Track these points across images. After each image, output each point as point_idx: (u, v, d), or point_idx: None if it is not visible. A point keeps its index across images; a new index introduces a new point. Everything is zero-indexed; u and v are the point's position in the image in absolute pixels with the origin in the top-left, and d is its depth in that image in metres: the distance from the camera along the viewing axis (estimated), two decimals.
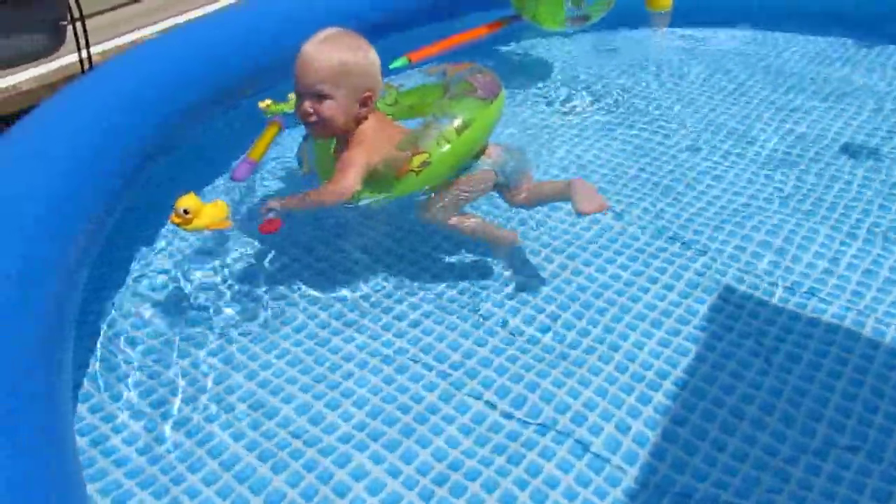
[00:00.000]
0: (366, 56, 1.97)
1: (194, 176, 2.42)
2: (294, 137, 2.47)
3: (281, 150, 2.57)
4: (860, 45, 3.41)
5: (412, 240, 2.23)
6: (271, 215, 1.89)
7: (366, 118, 2.01)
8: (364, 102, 1.97)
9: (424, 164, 1.92)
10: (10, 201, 1.68)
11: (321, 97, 1.92)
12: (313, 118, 1.94)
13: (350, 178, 1.91)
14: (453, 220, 2.02)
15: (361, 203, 1.97)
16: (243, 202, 2.35)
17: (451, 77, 2.19)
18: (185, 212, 1.76)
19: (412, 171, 1.92)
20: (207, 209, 1.80)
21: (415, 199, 2.06)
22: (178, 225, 1.79)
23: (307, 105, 1.94)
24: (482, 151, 2.08)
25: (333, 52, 1.92)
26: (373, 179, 1.95)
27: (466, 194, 2.05)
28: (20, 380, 1.31)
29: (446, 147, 1.94)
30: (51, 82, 4.24)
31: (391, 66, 2.69)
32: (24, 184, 1.75)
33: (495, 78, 2.15)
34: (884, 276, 2.03)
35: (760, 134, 2.76)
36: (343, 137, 2.01)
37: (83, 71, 3.45)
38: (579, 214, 1.98)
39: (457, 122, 1.96)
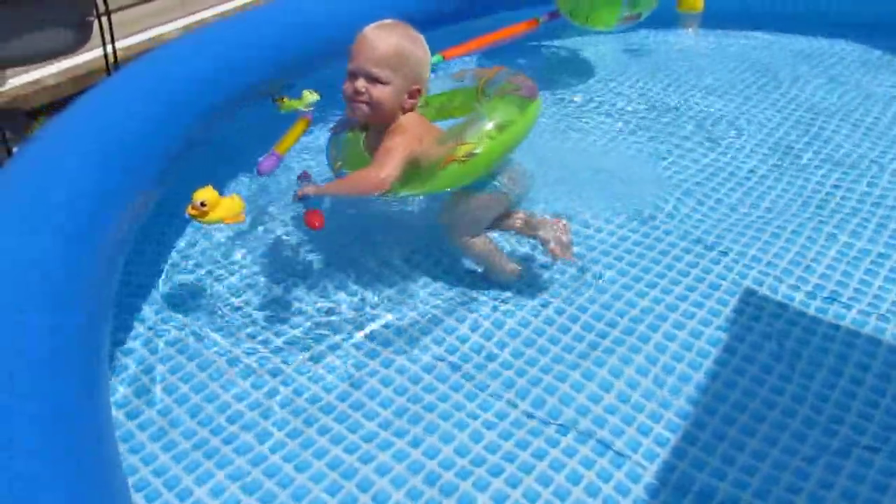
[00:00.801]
0: (423, 50, 2.00)
1: (220, 170, 2.45)
2: (318, 135, 2.50)
3: (307, 145, 2.59)
4: (889, 52, 3.41)
5: (434, 238, 2.24)
6: (307, 203, 1.90)
7: (409, 111, 2.02)
8: (412, 95, 1.99)
9: (470, 154, 1.91)
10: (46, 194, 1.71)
11: (375, 80, 1.93)
12: (363, 98, 1.94)
13: (390, 166, 1.89)
14: (473, 240, 2.04)
15: (399, 195, 1.96)
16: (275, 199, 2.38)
17: (486, 80, 2.22)
18: (202, 204, 1.77)
19: (456, 160, 1.91)
20: (224, 202, 1.80)
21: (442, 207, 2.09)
22: (193, 217, 1.80)
23: (360, 84, 1.93)
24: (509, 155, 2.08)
25: (395, 38, 1.94)
26: (412, 170, 1.93)
27: (488, 215, 2.06)
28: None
29: (490, 141, 1.94)
30: (75, 76, 4.29)
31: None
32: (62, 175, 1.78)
33: (533, 81, 2.18)
34: None
35: (783, 138, 2.76)
36: (380, 128, 2.01)
37: (108, 66, 3.48)
38: (552, 254, 2.01)
39: (503, 118, 1.97)
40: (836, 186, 2.45)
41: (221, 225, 1.89)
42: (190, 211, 1.79)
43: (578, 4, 3.11)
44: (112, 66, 3.45)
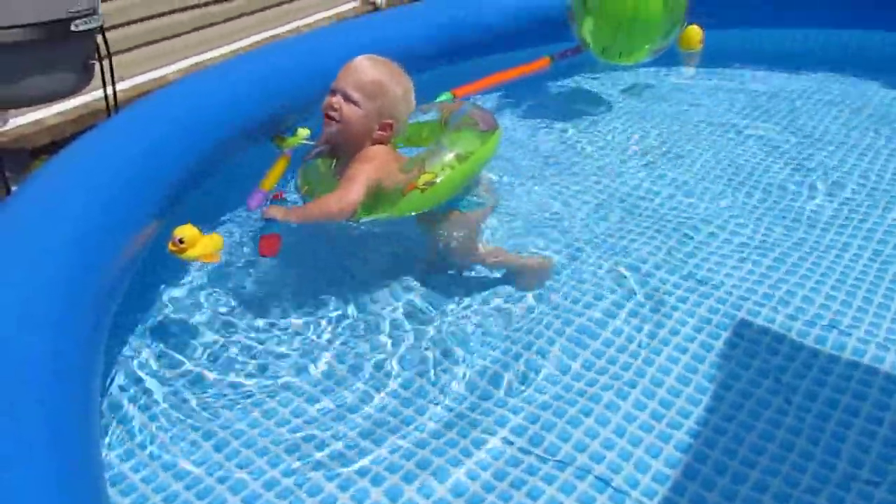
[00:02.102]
0: (403, 91, 2.12)
1: (209, 204, 2.47)
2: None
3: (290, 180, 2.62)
4: (877, 87, 3.48)
5: (421, 275, 2.25)
6: (269, 227, 1.97)
7: (382, 142, 2.12)
8: (383, 127, 2.10)
9: (429, 183, 2.02)
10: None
11: (350, 100, 2.04)
12: (335, 115, 2.06)
13: (354, 191, 1.99)
14: (484, 252, 2.17)
15: (362, 220, 2.05)
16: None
17: (448, 114, 2.33)
18: (181, 241, 1.83)
19: (418, 188, 2.02)
20: (203, 241, 1.87)
21: (443, 242, 2.17)
22: (172, 252, 1.86)
23: (335, 101, 2.07)
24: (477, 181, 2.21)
25: (378, 71, 2.09)
26: (376, 196, 2.02)
27: (480, 228, 2.20)
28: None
29: (450, 171, 2.05)
30: (76, 116, 4.34)
31: (436, 101, 2.77)
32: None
33: (491, 114, 2.31)
34: None
35: (775, 170, 2.79)
36: (349, 153, 2.12)
37: (108, 107, 3.53)
38: (524, 290, 2.14)
39: (461, 150, 2.09)
40: (832, 216, 2.47)
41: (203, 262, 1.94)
42: (170, 247, 1.85)
43: (615, 41, 3.17)
44: (112, 107, 3.49)
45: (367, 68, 2.09)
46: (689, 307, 2.09)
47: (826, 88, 3.52)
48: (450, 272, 2.27)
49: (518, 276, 2.20)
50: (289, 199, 2.26)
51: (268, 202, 2.22)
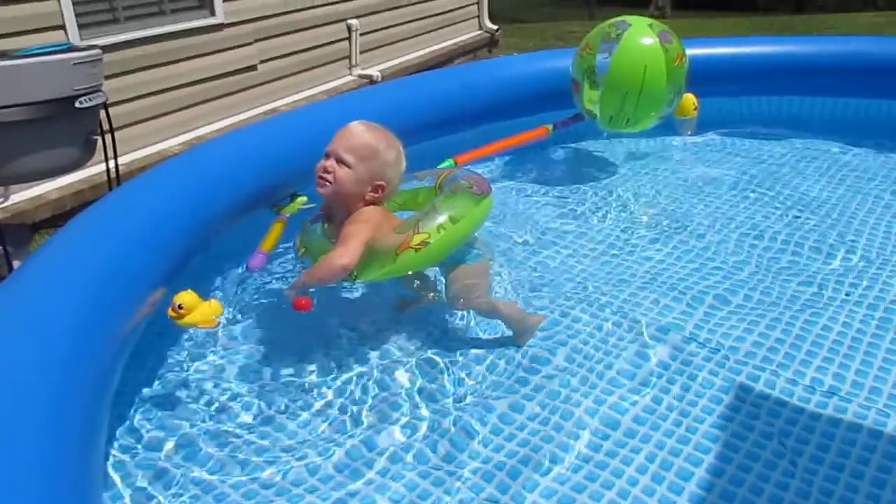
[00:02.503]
0: (395, 155, 2.21)
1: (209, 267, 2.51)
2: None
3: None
4: (862, 150, 3.59)
5: (414, 324, 2.27)
6: (292, 296, 2.03)
7: (374, 203, 2.19)
8: (375, 189, 2.17)
9: (423, 243, 2.07)
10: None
11: (342, 162, 2.12)
12: (329, 177, 2.14)
13: (351, 248, 2.03)
14: (487, 303, 2.22)
15: (358, 281, 2.11)
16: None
17: (443, 180, 2.39)
18: (180, 306, 1.86)
19: (412, 248, 2.07)
20: (202, 307, 1.90)
21: (447, 293, 2.22)
22: (171, 318, 1.88)
23: (328, 164, 2.15)
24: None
25: (371, 137, 2.17)
26: (371, 256, 2.08)
27: (487, 279, 2.28)
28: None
29: (444, 232, 2.10)
30: (77, 191, 4.41)
31: (438, 167, 2.84)
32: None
33: (485, 179, 2.37)
34: None
35: (772, 233, 2.82)
36: (343, 214, 2.19)
37: (110, 181, 3.59)
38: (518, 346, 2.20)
39: (454, 212, 2.15)
40: (826, 278, 2.49)
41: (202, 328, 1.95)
42: (169, 312, 1.88)
43: (622, 110, 3.26)
44: (114, 180, 3.55)
45: (359, 133, 2.18)
46: (691, 371, 2.09)
47: (822, 153, 3.62)
48: (451, 324, 2.32)
49: (514, 331, 2.23)
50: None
51: (267, 263, 2.31)
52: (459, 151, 3.13)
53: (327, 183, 2.15)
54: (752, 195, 3.16)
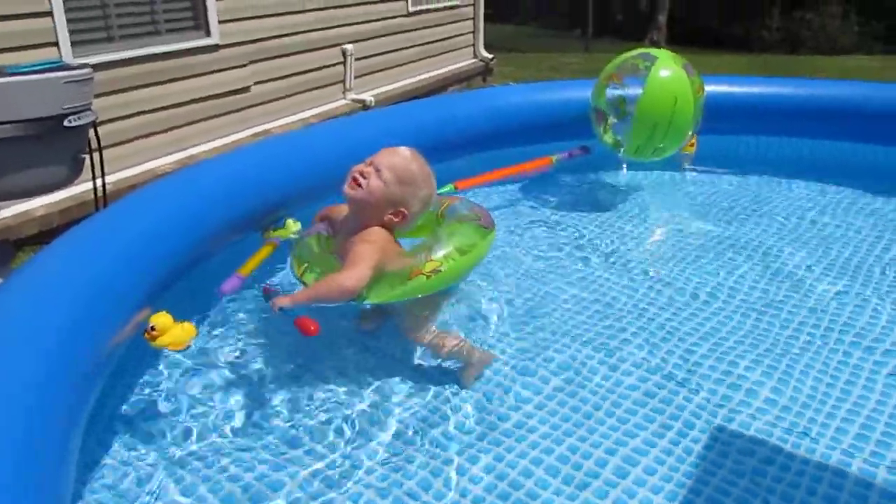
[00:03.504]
0: (426, 193, 2.22)
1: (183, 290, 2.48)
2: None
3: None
4: (849, 195, 3.62)
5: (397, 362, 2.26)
6: (288, 312, 1.97)
7: (386, 227, 2.18)
8: (396, 214, 2.17)
9: (435, 271, 2.09)
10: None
11: (381, 176, 2.13)
12: (362, 181, 2.14)
13: (363, 268, 2.01)
14: (439, 340, 2.20)
15: (366, 302, 2.07)
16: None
17: (445, 207, 2.42)
18: (153, 328, 1.88)
19: (423, 274, 2.08)
20: (175, 330, 1.91)
21: (403, 321, 2.21)
22: (145, 339, 1.90)
23: (366, 169, 2.15)
24: None
25: (415, 165, 2.18)
26: (379, 278, 2.06)
27: (437, 312, 2.27)
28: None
29: (453, 262, 2.14)
30: (64, 208, 4.40)
31: (438, 192, 2.86)
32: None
33: (489, 213, 2.42)
34: (866, 414, 2.04)
35: (756, 277, 2.83)
36: (352, 228, 2.18)
37: (96, 199, 3.58)
38: (463, 379, 2.18)
39: (465, 242, 2.20)
40: (802, 322, 2.50)
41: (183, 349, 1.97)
42: (144, 334, 1.90)
43: (651, 140, 3.32)
44: (101, 199, 3.54)
45: (406, 156, 2.19)
46: (672, 410, 2.08)
47: (810, 193, 3.67)
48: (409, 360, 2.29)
49: (463, 367, 2.21)
50: (281, 288, 2.29)
51: (241, 288, 2.29)
52: (459, 177, 3.15)
53: (358, 186, 2.14)
54: (738, 233, 3.18)
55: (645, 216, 3.43)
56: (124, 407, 2.09)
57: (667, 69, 3.28)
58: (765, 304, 2.62)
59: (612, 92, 3.37)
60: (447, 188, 3.02)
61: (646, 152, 3.40)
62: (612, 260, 2.97)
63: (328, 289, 2.01)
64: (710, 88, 3.47)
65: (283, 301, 1.99)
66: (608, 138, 3.46)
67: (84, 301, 1.90)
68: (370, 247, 2.08)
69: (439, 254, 2.13)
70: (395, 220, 2.18)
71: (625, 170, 3.68)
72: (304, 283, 2.15)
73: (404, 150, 2.20)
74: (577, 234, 3.22)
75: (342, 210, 2.37)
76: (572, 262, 2.96)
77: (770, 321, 2.52)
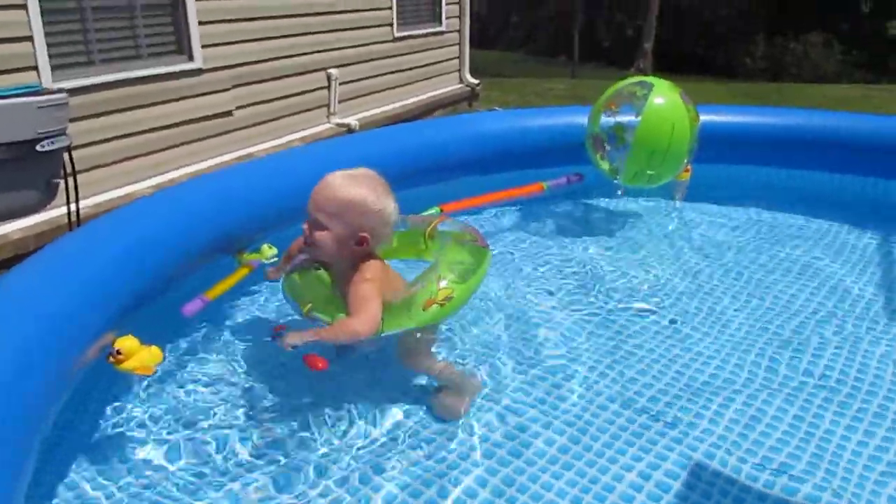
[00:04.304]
0: (376, 201, 2.05)
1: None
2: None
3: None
4: (841, 228, 3.60)
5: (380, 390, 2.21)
6: (299, 350, 1.93)
7: (367, 257, 2.09)
8: (360, 242, 2.06)
9: (448, 298, 2.09)
10: None
11: (318, 225, 2.04)
12: (307, 239, 2.07)
13: (371, 316, 1.97)
14: (434, 364, 2.21)
15: (383, 334, 2.04)
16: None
17: (433, 228, 2.41)
18: (118, 352, 1.84)
19: (437, 303, 2.07)
20: (141, 353, 1.87)
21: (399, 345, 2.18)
22: (109, 363, 1.85)
23: (305, 227, 2.07)
24: None
25: (346, 188, 2.04)
26: (394, 310, 2.05)
27: (432, 341, 2.25)
28: None
29: (463, 286, 2.14)
30: (40, 232, 4.34)
31: (423, 214, 2.85)
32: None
33: (479, 231, 2.43)
34: (847, 456, 2.02)
35: (737, 311, 2.80)
36: (344, 269, 2.10)
37: (70, 223, 3.53)
38: (439, 415, 2.13)
39: (468, 265, 2.21)
40: (781, 359, 2.48)
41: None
42: (108, 358, 1.86)
43: (648, 166, 3.32)
44: (75, 223, 3.49)
45: (331, 187, 2.05)
46: (643, 443, 2.04)
47: (803, 225, 3.65)
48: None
49: (452, 394, 2.17)
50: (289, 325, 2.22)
51: (204, 309, 2.26)
52: (447, 200, 3.13)
53: (310, 247, 2.10)
54: (726, 269, 3.15)
55: (632, 245, 3.39)
56: (86, 434, 2.03)
57: (663, 97, 3.30)
58: (740, 338, 2.59)
59: (608, 119, 3.39)
60: (432, 211, 2.99)
61: (641, 179, 3.41)
62: (594, 295, 2.92)
63: (343, 334, 1.99)
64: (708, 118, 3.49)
65: (293, 339, 1.93)
66: (605, 165, 3.46)
67: (40, 325, 1.85)
68: (370, 287, 2.02)
69: (450, 279, 2.13)
70: (364, 247, 2.08)
71: (621, 193, 3.66)
72: (310, 319, 2.10)
73: (327, 181, 2.06)
74: (561, 262, 3.19)
75: None
76: (554, 295, 2.91)
77: (749, 355, 2.49)
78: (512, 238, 3.48)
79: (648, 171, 3.34)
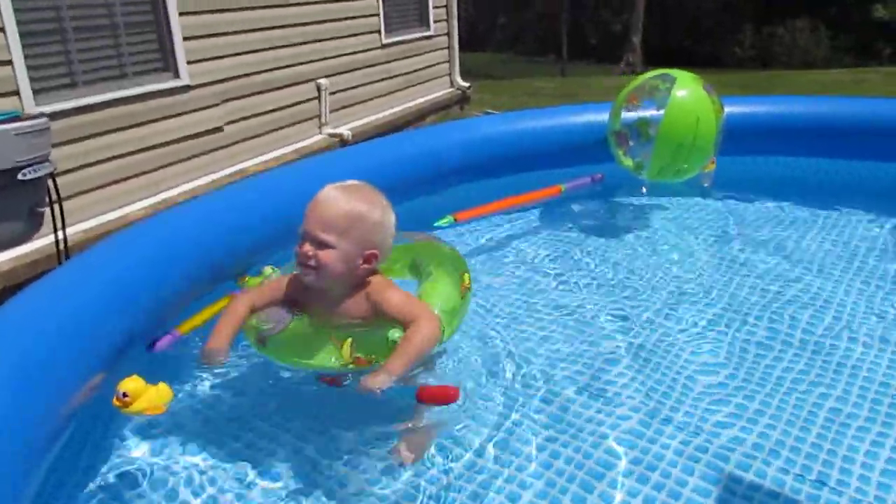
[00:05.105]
0: (382, 213, 1.91)
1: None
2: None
3: None
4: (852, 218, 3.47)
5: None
6: (386, 392, 1.71)
7: (368, 276, 1.93)
8: (368, 259, 1.89)
9: (470, 281, 2.13)
10: None
11: (323, 244, 1.84)
12: (312, 263, 1.85)
13: (425, 310, 1.88)
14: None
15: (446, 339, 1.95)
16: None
17: (418, 238, 2.35)
18: (125, 395, 1.72)
19: (467, 287, 2.07)
20: (149, 392, 1.75)
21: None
22: (116, 407, 1.73)
23: (308, 248, 1.85)
24: None
25: (349, 201, 1.87)
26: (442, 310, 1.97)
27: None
28: None
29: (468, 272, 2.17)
30: (31, 261, 4.22)
31: (435, 224, 2.76)
32: None
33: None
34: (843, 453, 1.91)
35: (753, 309, 2.69)
36: (341, 295, 1.93)
37: (58, 251, 3.42)
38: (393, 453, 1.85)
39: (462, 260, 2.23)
40: (808, 363, 2.37)
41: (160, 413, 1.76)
42: (114, 401, 1.74)
43: (674, 160, 3.24)
44: (63, 252, 3.38)
45: (333, 201, 1.87)
46: (657, 449, 1.93)
47: (812, 215, 3.52)
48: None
49: (418, 436, 1.94)
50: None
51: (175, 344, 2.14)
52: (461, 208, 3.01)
53: (311, 270, 1.86)
54: (730, 269, 3.04)
55: (642, 247, 3.27)
56: (88, 480, 1.91)
57: (686, 89, 3.22)
58: (759, 338, 2.47)
59: (630, 114, 3.31)
60: (446, 220, 2.88)
61: (668, 173, 3.34)
62: (610, 294, 2.81)
63: (421, 344, 1.81)
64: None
65: (377, 383, 1.71)
66: (628, 162, 3.38)
67: (30, 366, 1.76)
68: (397, 290, 1.93)
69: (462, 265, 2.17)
70: (371, 264, 1.91)
71: (645, 190, 3.57)
72: (353, 368, 1.85)
73: (326, 195, 1.89)
74: (575, 264, 3.08)
75: (276, 287, 2.04)
76: (564, 294, 2.80)
77: (776, 357, 2.37)
78: (531, 241, 3.35)
79: (675, 166, 3.26)
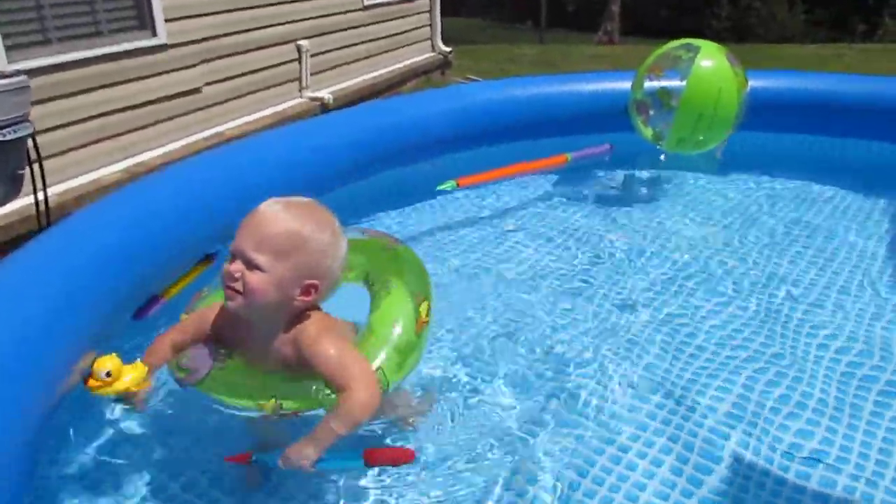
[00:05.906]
0: (330, 238, 1.62)
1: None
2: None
3: None
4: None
5: None
6: (318, 465, 1.52)
7: (308, 311, 1.65)
8: (306, 292, 1.60)
9: (427, 317, 1.75)
10: None
11: (254, 266, 1.55)
12: (237, 286, 1.56)
13: (365, 367, 1.57)
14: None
15: (391, 389, 1.65)
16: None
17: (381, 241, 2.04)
18: (108, 374, 1.58)
19: (425, 322, 1.74)
20: (127, 369, 1.62)
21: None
22: (94, 389, 1.58)
23: (234, 268, 1.56)
24: None
25: (292, 219, 1.58)
26: (388, 359, 1.65)
27: None
28: None
29: (430, 297, 1.83)
30: (5, 224, 4.09)
31: (438, 188, 2.71)
32: None
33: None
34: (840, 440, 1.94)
35: (757, 283, 2.71)
36: (272, 332, 1.64)
37: (38, 214, 3.31)
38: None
39: (417, 274, 1.89)
40: (810, 333, 2.39)
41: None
42: (92, 383, 1.59)
43: (695, 131, 3.21)
44: (43, 213, 3.28)
45: (273, 217, 1.58)
46: (664, 442, 1.94)
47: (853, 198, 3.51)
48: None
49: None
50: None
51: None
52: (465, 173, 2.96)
53: (236, 294, 1.56)
54: (734, 254, 3.01)
55: (652, 220, 3.26)
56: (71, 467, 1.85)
57: (710, 59, 3.21)
58: (758, 321, 2.48)
59: (652, 84, 3.28)
60: (448, 184, 2.84)
61: (688, 145, 3.33)
62: (616, 272, 2.79)
63: (356, 415, 1.51)
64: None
65: (307, 453, 1.50)
66: (647, 132, 3.37)
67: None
68: (336, 341, 1.59)
69: (425, 290, 1.83)
70: (309, 298, 1.60)
71: (663, 159, 3.54)
72: (276, 417, 1.62)
73: (266, 210, 1.59)
74: (572, 239, 3.06)
75: (202, 319, 1.76)
76: (565, 270, 2.79)
77: (783, 334, 2.38)
78: (534, 211, 3.32)
79: (694, 137, 3.24)
